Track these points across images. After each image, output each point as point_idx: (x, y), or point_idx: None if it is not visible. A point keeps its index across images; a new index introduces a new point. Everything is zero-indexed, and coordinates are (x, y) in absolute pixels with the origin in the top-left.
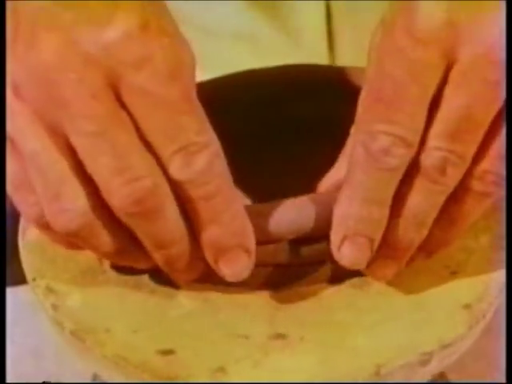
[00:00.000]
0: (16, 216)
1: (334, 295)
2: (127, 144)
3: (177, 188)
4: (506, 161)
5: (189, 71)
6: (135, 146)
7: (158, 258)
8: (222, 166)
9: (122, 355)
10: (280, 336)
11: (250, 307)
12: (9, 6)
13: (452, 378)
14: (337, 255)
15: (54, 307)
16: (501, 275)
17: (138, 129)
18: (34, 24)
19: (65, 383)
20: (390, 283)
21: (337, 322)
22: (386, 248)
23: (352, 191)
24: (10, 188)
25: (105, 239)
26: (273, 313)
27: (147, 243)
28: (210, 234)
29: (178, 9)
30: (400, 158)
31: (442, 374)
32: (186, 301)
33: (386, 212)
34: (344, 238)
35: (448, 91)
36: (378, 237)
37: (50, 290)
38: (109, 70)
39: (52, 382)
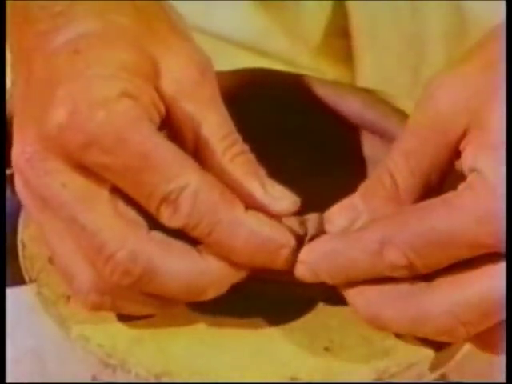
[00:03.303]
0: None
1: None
2: (97, 220)
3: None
4: (506, 165)
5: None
6: (106, 218)
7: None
8: (207, 196)
9: None
10: None
11: None
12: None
13: (452, 377)
14: None
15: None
16: None
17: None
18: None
19: (65, 383)
20: None
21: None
22: None
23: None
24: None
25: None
26: None
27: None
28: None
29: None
30: None
31: (442, 374)
32: None
33: None
34: None
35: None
36: None
37: None
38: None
39: (52, 382)
